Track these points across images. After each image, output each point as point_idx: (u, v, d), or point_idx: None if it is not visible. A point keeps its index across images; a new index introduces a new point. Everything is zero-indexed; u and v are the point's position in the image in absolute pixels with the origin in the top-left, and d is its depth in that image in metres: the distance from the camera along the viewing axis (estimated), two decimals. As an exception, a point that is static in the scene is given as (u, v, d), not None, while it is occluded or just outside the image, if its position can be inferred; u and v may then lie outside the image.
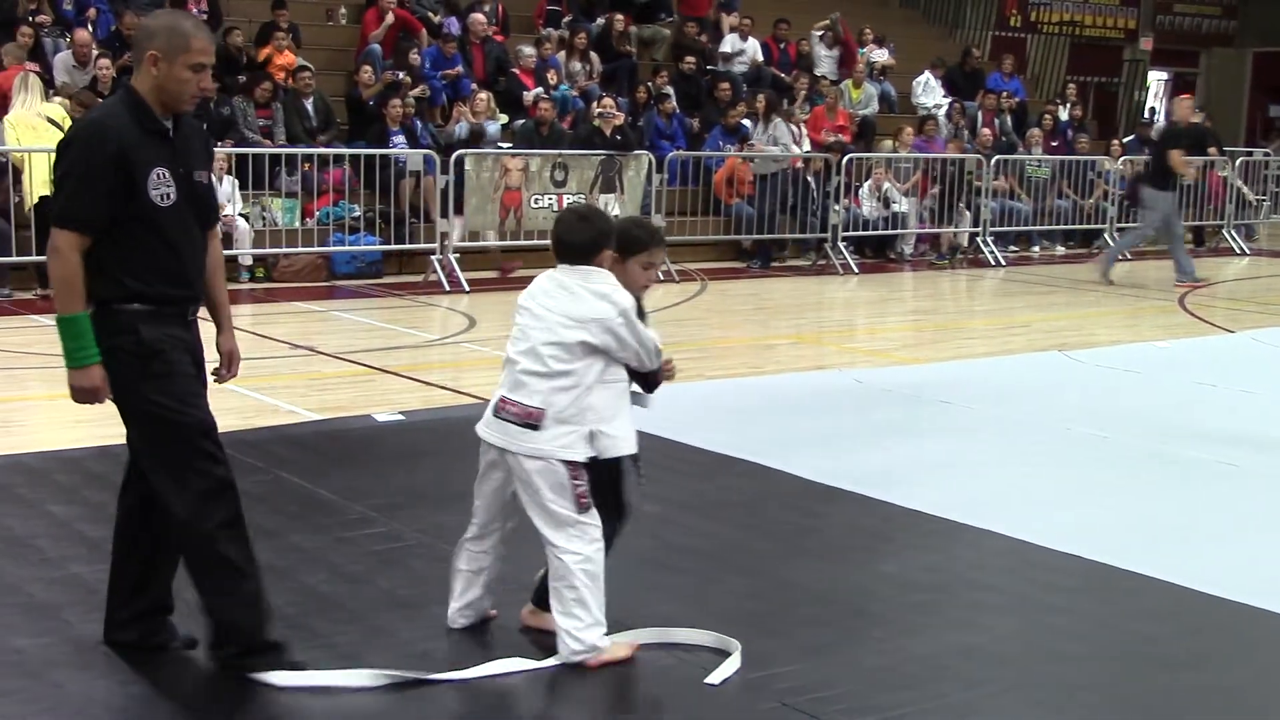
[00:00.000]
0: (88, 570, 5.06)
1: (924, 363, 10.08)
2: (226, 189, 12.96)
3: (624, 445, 4.33)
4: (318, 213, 13.78)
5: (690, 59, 18.16)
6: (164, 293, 4.10)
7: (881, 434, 7.66)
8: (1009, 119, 19.73)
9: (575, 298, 4.37)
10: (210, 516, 4.11)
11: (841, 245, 15.84)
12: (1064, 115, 20.62)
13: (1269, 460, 7.33)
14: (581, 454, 4.27)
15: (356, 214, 13.80)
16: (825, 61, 20.03)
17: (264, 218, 13.51)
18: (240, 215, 13.06)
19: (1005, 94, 20.07)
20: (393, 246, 13.84)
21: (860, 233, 16.40)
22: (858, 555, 5.66)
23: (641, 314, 4.45)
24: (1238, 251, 19.40)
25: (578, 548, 4.28)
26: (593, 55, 17.67)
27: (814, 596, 5.08)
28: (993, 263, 16.84)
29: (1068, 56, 26.41)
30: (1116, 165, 18.73)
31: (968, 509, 6.19)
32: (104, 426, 7.26)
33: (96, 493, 6.04)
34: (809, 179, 16.24)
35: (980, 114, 19.42)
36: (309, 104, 14.70)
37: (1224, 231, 19.89)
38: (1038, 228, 18.30)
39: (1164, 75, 29.26)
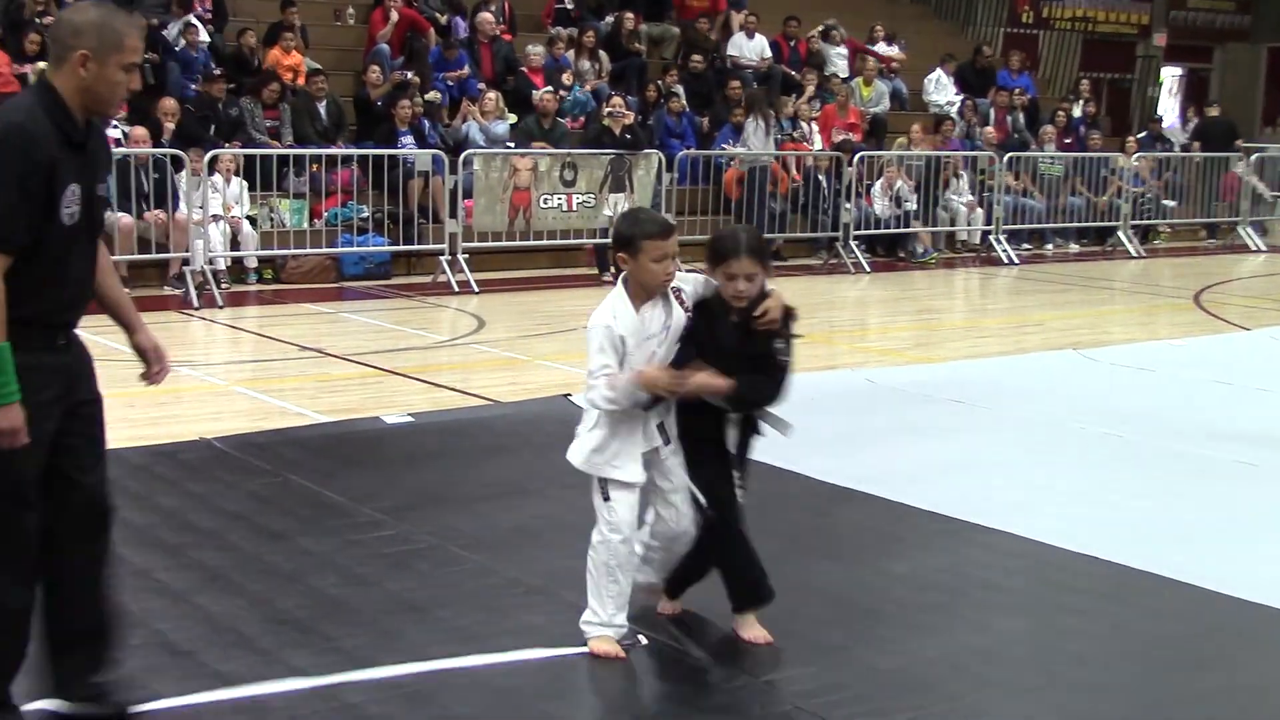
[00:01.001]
0: (206, 556, 5.06)
1: (936, 362, 10.07)
2: (235, 191, 13.00)
3: (573, 455, 4.51)
4: (326, 214, 13.79)
5: (698, 57, 18.16)
6: (35, 315, 3.64)
7: (893, 434, 7.65)
8: (1021, 116, 19.72)
9: None
10: None
11: (853, 244, 15.83)
12: (1077, 112, 20.60)
13: (1285, 459, 7.30)
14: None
15: (365, 215, 13.81)
16: (836, 59, 20.01)
17: (272, 219, 13.53)
18: (246, 218, 13.07)
19: (1017, 91, 20.06)
20: (401, 247, 13.84)
21: (872, 231, 16.38)
22: (870, 556, 5.66)
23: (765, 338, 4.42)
24: (1253, 248, 19.36)
25: (594, 534, 4.47)
26: (602, 54, 17.68)
27: (826, 597, 5.07)
28: (1005, 261, 16.81)
29: (1080, 53, 26.37)
30: (1131, 162, 18.69)
31: (981, 509, 6.18)
32: (186, 424, 7.30)
33: (197, 485, 6.04)
34: (820, 178, 16.23)
35: (992, 111, 19.40)
36: (322, 107, 14.73)
37: (1239, 228, 19.84)
38: (1051, 225, 18.27)
39: (1178, 71, 29.18)
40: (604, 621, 4.42)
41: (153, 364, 4.02)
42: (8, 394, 3.54)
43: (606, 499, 4.43)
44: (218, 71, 14.52)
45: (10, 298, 3.54)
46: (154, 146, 12.76)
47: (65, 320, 3.76)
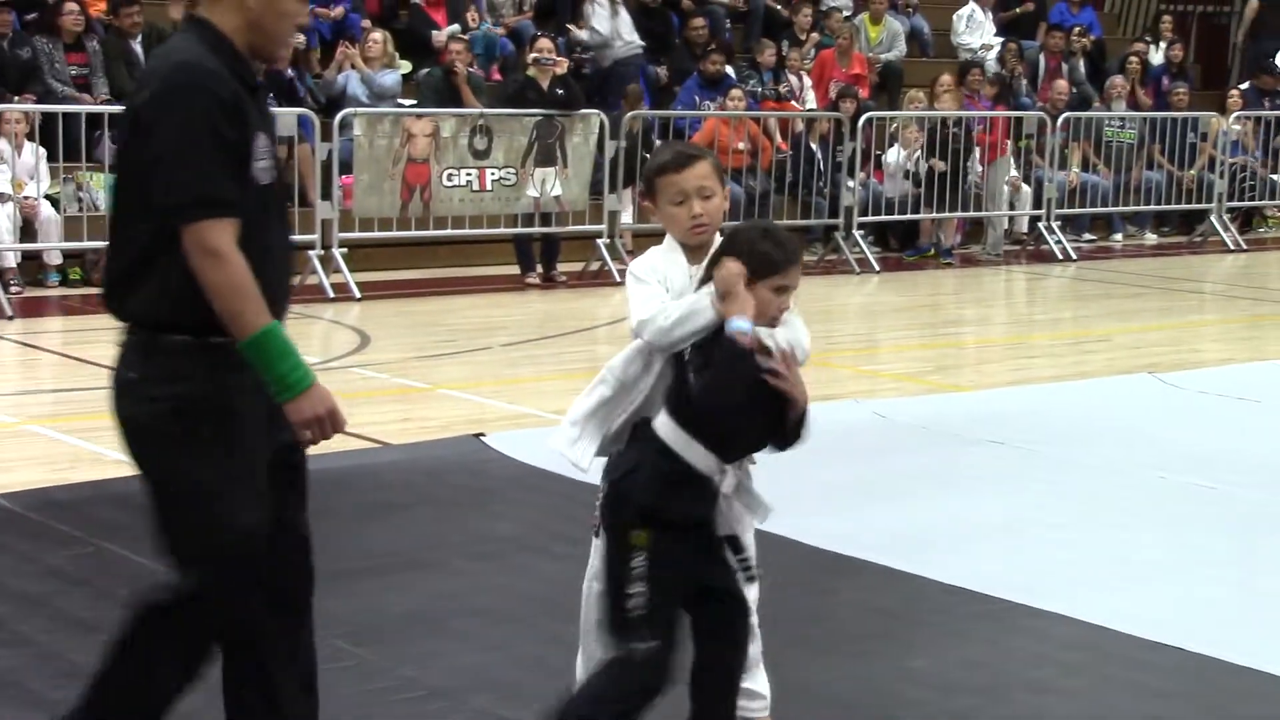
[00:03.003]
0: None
1: (967, 390, 10.14)
2: (29, 160, 12.94)
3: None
4: (153, 193, 13.74)
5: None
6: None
7: (913, 486, 7.69)
8: (1082, 64, 19.88)
9: None
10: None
11: (857, 234, 15.93)
12: (1157, 58, 20.78)
13: None
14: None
15: (206, 195, 13.76)
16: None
17: (80, 199, 13.47)
18: (46, 198, 13.03)
19: (1077, 30, 20.23)
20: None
21: (882, 217, 16.46)
22: (884, 647, 5.69)
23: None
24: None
25: None
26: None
27: (824, 701, 5.11)
28: (1060, 256, 16.96)
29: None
30: (1229, 124, 18.87)
31: (1026, 585, 6.22)
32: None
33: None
34: (814, 147, 16.33)
35: (1043, 58, 19.56)
36: (138, 46, 14.65)
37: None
38: (1120, 209, 18.43)
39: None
40: None
41: None
42: (304, 374, 3.81)
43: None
44: (0, -1, 14.45)
45: (189, 291, 3.76)
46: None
47: (276, 310, 3.89)
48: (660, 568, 4.13)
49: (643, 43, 17.09)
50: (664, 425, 4.20)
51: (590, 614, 4.46)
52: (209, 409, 3.82)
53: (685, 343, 4.20)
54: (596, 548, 4.41)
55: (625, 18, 16.99)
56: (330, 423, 3.85)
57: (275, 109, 14.06)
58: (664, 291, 4.31)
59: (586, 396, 4.44)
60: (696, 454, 4.15)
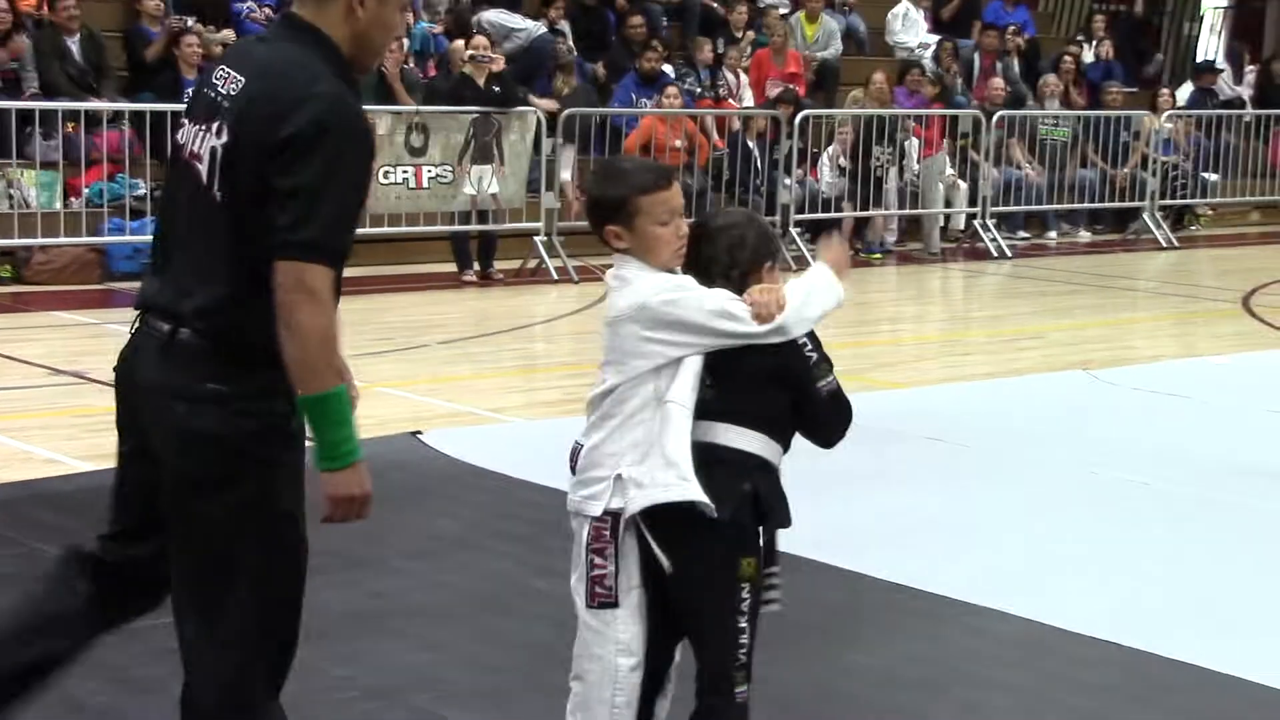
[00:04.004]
0: None
1: (905, 387, 10.18)
2: (-40, 158, 12.84)
3: (642, 498, 3.97)
4: (86, 190, 13.67)
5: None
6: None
7: (851, 483, 7.70)
8: (1016, 63, 19.99)
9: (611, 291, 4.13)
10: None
11: (794, 232, 15.96)
12: (1089, 57, 20.91)
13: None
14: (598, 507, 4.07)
15: (140, 192, 13.70)
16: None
17: (11, 196, 13.38)
18: (-21, 194, 12.94)
19: (1011, 29, 20.33)
20: (189, 236, 13.73)
21: (819, 214, 16.51)
22: (824, 644, 5.70)
23: None
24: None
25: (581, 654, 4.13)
26: (461, -21, 17.74)
27: (766, 698, 5.11)
28: (995, 253, 17.04)
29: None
30: (1161, 122, 18.99)
31: (966, 582, 6.25)
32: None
33: None
34: (750, 144, 16.35)
35: (978, 57, 19.65)
36: (74, 44, 14.58)
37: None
38: (1054, 207, 18.53)
39: (1223, 2, 29.70)
40: None
41: None
42: (352, 449, 3.66)
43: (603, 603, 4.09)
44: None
45: (269, 331, 3.63)
46: None
47: None
48: (757, 597, 4.03)
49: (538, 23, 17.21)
50: (756, 440, 4.02)
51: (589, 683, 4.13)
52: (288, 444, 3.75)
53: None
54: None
55: (514, 14, 17.12)
56: (360, 507, 3.73)
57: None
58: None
59: (678, 439, 3.95)
60: (781, 464, 4.07)
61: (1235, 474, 8.09)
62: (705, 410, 3.99)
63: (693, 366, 3.96)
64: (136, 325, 3.92)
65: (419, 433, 8.20)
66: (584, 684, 4.09)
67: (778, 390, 4.04)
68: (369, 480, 3.71)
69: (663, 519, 3.93)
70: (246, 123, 3.64)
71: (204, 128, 3.73)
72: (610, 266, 4.15)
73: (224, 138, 3.66)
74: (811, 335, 4.09)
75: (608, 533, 4.00)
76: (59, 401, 9.28)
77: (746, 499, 3.95)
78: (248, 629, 3.74)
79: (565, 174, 15.17)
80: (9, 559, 6.27)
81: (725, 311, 3.95)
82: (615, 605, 4.02)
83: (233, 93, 3.69)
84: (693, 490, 3.87)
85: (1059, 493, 7.77)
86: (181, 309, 3.73)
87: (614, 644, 4.03)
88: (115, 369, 4.05)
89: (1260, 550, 6.93)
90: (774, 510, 4.02)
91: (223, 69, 3.79)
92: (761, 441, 4.01)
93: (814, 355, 4.07)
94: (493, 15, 16.98)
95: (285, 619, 3.81)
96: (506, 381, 10.23)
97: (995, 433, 8.80)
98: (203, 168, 3.70)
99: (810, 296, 4.07)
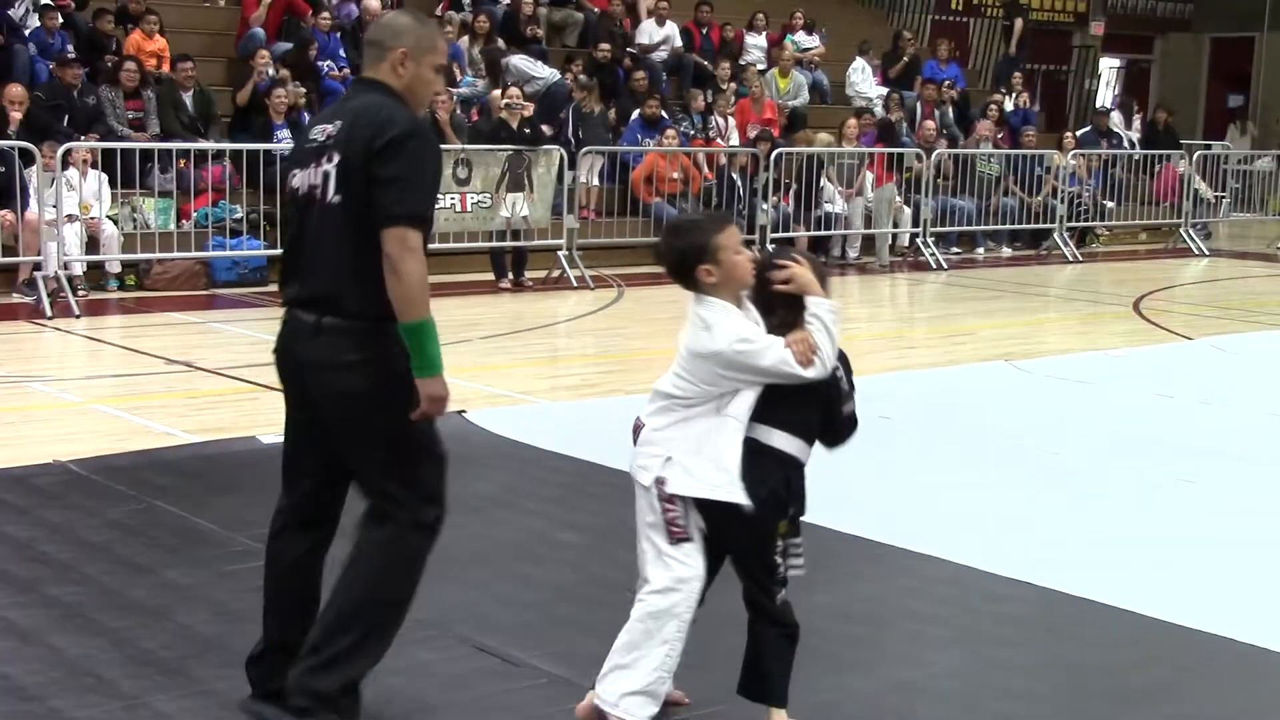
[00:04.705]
0: (62, 591, 5.19)
1: (860, 374, 10.14)
2: (93, 187, 12.83)
3: (692, 485, 4.11)
4: (195, 214, 13.66)
5: (605, 46, 18.22)
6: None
7: (815, 452, 7.70)
8: (950, 110, 19.97)
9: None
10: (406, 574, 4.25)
11: (770, 248, 15.93)
12: (1009, 105, 20.90)
13: (1229, 475, 7.47)
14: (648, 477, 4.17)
15: (238, 215, 13.70)
16: (752, 49, 20.18)
17: (135, 219, 13.37)
18: (109, 217, 12.92)
19: (946, 83, 20.32)
20: (278, 251, 13.71)
21: (791, 233, 16.50)
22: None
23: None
24: (1196, 252, 19.73)
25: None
26: (498, 41, 17.68)
27: (743, 629, 5.10)
28: (934, 266, 17.02)
29: (1026, 47, 26.68)
30: (1067, 160, 18.99)
31: (907, 533, 6.25)
32: (39, 445, 7.21)
33: (51, 512, 6.19)
34: (734, 176, 16.34)
35: (919, 105, 19.64)
36: (189, 97, 14.60)
37: (1181, 231, 20.23)
38: (982, 228, 18.51)
39: (1116, 63, 29.70)
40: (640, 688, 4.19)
41: None
42: (437, 363, 4.08)
43: (677, 540, 4.17)
44: (71, 56, 14.34)
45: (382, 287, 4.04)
46: None
47: None
48: (785, 544, 4.27)
49: (554, 71, 17.21)
50: (793, 443, 4.21)
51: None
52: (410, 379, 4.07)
53: None
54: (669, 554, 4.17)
55: (535, 62, 17.12)
56: (442, 405, 4.14)
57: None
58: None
59: (732, 450, 4.10)
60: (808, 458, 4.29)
61: (1129, 444, 8.08)
62: (756, 415, 4.15)
63: (751, 393, 4.12)
64: (286, 319, 4.30)
65: (464, 411, 8.18)
66: (664, 598, 4.16)
67: (814, 407, 4.21)
68: (447, 387, 4.11)
69: (710, 504, 4.12)
70: (351, 144, 4.05)
71: (314, 166, 4.14)
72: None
73: (335, 161, 4.07)
74: (844, 360, 4.25)
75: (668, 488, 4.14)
76: (173, 386, 9.28)
77: (781, 483, 4.16)
78: (421, 457, 4.24)
79: (582, 177, 15.44)
80: (132, 513, 6.26)
81: (783, 360, 4.07)
82: (689, 540, 4.15)
83: (333, 134, 4.11)
84: (739, 495, 4.06)
85: (986, 460, 7.76)
86: (322, 301, 4.12)
87: (694, 572, 4.17)
88: (276, 352, 4.37)
89: (1149, 505, 6.93)
90: (797, 496, 4.23)
91: (319, 125, 4.22)
92: (798, 445, 4.21)
93: (845, 384, 4.27)
94: (517, 61, 16.96)
95: (434, 445, 4.28)
96: (535, 370, 10.22)
97: (934, 411, 8.80)
98: (319, 188, 4.10)
99: (829, 335, 4.15)
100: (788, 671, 4.28)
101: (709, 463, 4.10)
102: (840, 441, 4.34)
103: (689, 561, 4.16)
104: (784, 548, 4.21)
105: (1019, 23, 23.02)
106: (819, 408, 4.21)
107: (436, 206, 13.76)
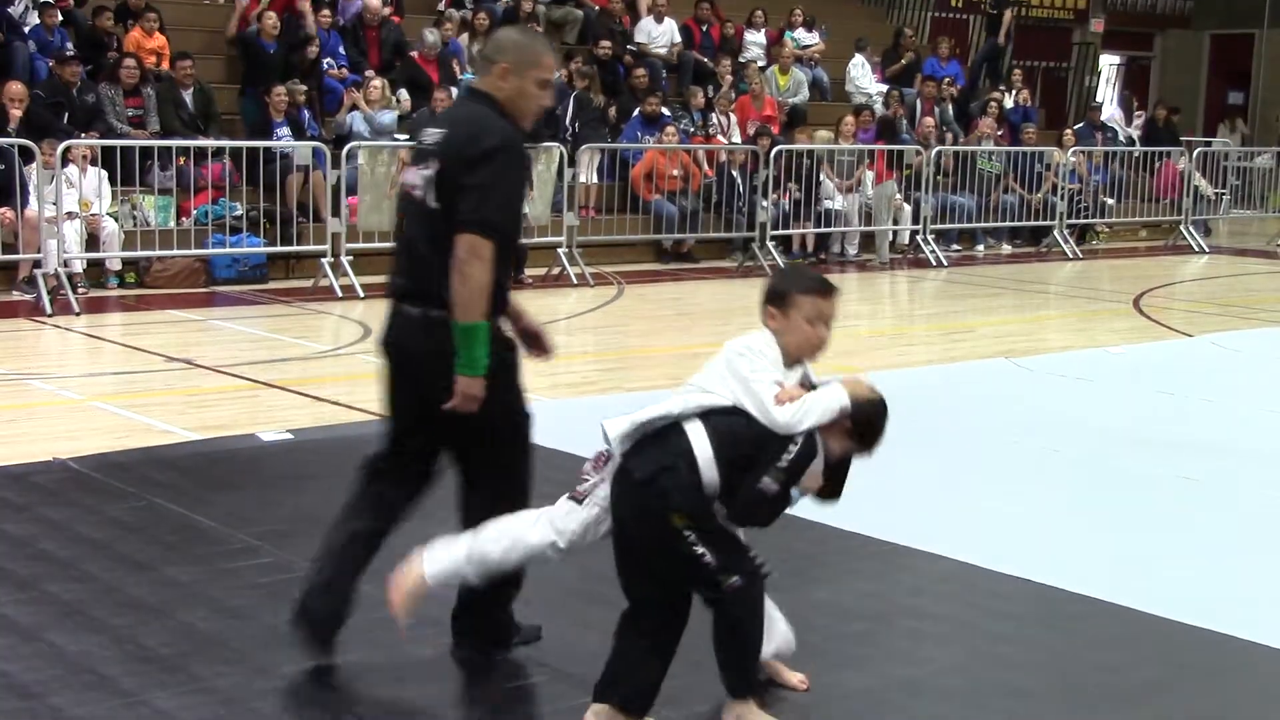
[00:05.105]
0: (62, 589, 5.18)
1: (860, 371, 10.15)
2: (93, 183, 12.83)
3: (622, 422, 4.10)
4: (195, 211, 13.66)
5: (606, 43, 18.22)
6: (500, 286, 4.52)
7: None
8: (950, 108, 19.96)
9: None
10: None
11: (770, 245, 15.94)
12: (1009, 103, 20.89)
13: (1229, 473, 7.47)
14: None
15: (238, 213, 13.69)
16: (752, 46, 20.18)
17: (134, 217, 13.37)
18: (109, 215, 12.92)
19: (946, 80, 20.31)
20: (279, 249, 13.74)
21: (789, 230, 16.51)
22: (789, 581, 5.67)
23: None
24: (1195, 249, 19.73)
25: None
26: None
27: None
28: (934, 263, 17.02)
29: (1013, 39, 26.69)
30: (1067, 157, 18.99)
31: (908, 530, 6.25)
32: (38, 443, 7.22)
33: (51, 510, 6.17)
34: (734, 173, 16.34)
35: (919, 102, 19.63)
36: (188, 95, 14.61)
37: (1181, 228, 20.22)
38: (982, 225, 18.50)
39: (1116, 59, 29.69)
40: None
41: (541, 343, 4.95)
42: (484, 365, 4.38)
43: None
44: (70, 53, 14.33)
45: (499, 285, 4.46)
46: (-1, 136, 12.58)
47: (504, 300, 4.63)
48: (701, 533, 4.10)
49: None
50: (707, 462, 4.00)
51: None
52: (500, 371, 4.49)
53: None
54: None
55: None
56: (475, 403, 4.40)
57: (294, 143, 14.04)
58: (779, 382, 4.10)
59: (699, 442, 4.02)
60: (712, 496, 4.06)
61: (1129, 441, 8.08)
62: (702, 416, 4.05)
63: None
64: (394, 311, 4.60)
65: (464, 408, 8.18)
66: (530, 529, 4.39)
67: (748, 450, 4.00)
68: (484, 390, 4.38)
69: (620, 497, 4.12)
70: (449, 152, 4.40)
71: (419, 166, 4.48)
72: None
73: (434, 167, 4.40)
74: (805, 453, 4.02)
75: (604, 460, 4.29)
76: (173, 383, 9.27)
77: (672, 472, 3.97)
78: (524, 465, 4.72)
79: (582, 176, 15.45)
80: (131, 511, 6.26)
81: (766, 387, 4.03)
82: (579, 501, 4.34)
83: (438, 139, 4.47)
84: (609, 425, 4.13)
85: (986, 457, 7.76)
86: (427, 296, 4.42)
87: (563, 528, 4.35)
88: (385, 343, 4.67)
89: (1148, 503, 6.93)
90: (684, 494, 3.98)
91: (430, 129, 4.57)
92: (709, 466, 3.99)
93: (786, 461, 3.99)
94: None
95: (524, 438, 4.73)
96: (535, 367, 10.20)
97: (933, 409, 8.78)
98: (418, 192, 4.45)
99: (811, 409, 4.03)
100: (739, 662, 4.16)
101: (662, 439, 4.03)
102: (737, 510, 4.04)
103: (569, 517, 4.31)
104: (695, 538, 3.97)
105: (1008, 14, 23.03)
106: (749, 456, 3.98)
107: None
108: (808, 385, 4.15)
